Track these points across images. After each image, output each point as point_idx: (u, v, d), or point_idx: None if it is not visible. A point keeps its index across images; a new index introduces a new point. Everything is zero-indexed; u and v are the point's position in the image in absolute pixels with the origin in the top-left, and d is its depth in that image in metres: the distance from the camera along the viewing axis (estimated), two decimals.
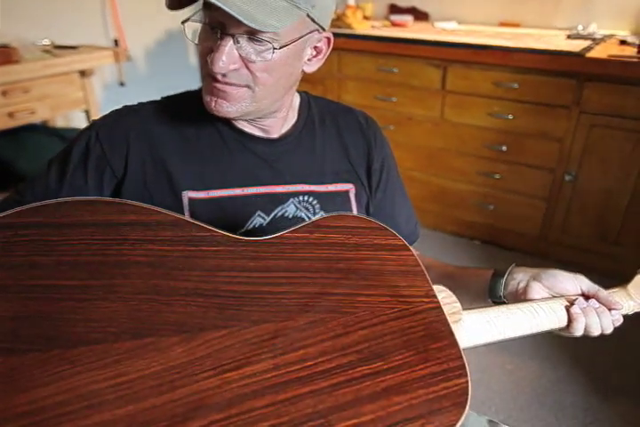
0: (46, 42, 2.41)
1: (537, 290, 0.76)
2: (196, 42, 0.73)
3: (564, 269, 0.78)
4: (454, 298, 0.68)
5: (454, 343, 0.59)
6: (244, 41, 0.70)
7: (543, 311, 0.72)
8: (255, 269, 0.62)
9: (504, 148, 2.29)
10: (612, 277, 2.17)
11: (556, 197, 2.27)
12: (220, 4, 0.64)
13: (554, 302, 0.73)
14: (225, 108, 0.76)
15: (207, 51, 0.72)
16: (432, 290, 0.64)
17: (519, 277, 0.79)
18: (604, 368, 1.74)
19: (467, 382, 0.55)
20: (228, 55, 0.70)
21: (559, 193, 2.25)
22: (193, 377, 0.51)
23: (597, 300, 0.74)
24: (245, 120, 0.84)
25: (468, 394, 0.54)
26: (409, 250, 0.67)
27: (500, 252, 2.47)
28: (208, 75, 0.74)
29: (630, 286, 0.78)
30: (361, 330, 0.58)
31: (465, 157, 2.44)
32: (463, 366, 0.56)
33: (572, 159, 2.17)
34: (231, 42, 0.69)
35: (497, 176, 2.37)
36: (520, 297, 0.77)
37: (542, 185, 2.29)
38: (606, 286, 0.78)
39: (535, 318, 0.71)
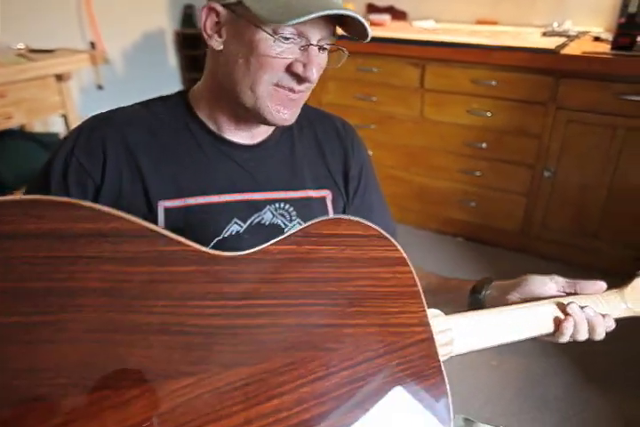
0: (21, 46, 2.38)
1: (514, 300, 0.77)
2: (274, 55, 0.72)
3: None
4: (447, 324, 0.65)
5: (442, 381, 0.57)
6: (321, 49, 0.75)
7: (534, 317, 0.71)
8: (230, 297, 0.54)
9: (484, 145, 2.31)
10: (592, 270, 2.21)
11: (535, 193, 2.30)
12: (358, 17, 0.69)
13: (544, 306, 0.73)
14: (295, 116, 0.80)
15: (282, 63, 0.73)
16: (426, 316, 0.61)
17: (494, 292, 0.81)
18: (587, 362, 1.76)
19: None
20: (318, 65, 0.74)
21: (539, 189, 2.28)
22: None
23: (581, 291, 0.76)
24: (237, 126, 0.83)
25: None
26: (407, 265, 0.63)
27: (482, 248, 2.49)
28: (278, 86, 0.75)
29: (627, 290, 0.78)
30: (343, 371, 0.54)
31: (446, 154, 2.45)
32: (448, 419, 0.55)
33: (550, 155, 2.19)
34: (317, 52, 0.73)
35: (478, 173, 2.39)
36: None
37: (522, 181, 2.31)
38: (585, 279, 0.78)
39: (525, 325, 0.71)
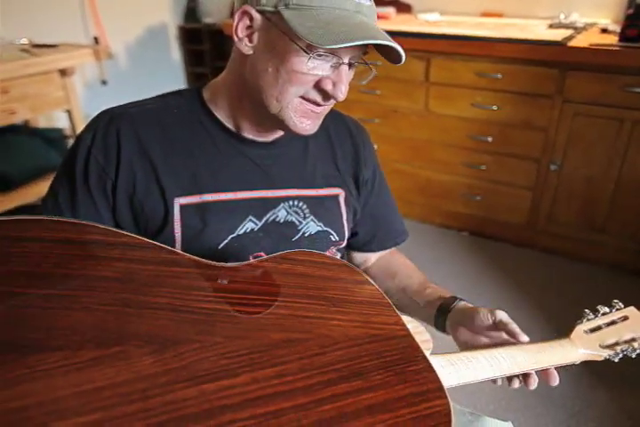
0: (24, 41, 2.38)
1: (461, 331, 0.81)
2: (305, 71, 0.72)
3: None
4: (422, 328, 0.69)
5: (430, 368, 0.59)
6: (351, 67, 0.75)
7: (505, 361, 0.72)
8: (228, 291, 0.62)
9: (489, 138, 2.30)
10: (599, 264, 2.18)
11: (541, 187, 2.28)
12: (393, 45, 0.69)
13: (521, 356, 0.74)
14: (317, 127, 0.80)
15: (312, 79, 0.73)
16: (401, 319, 0.66)
17: (455, 316, 0.83)
18: None
19: (448, 403, 0.55)
20: (347, 83, 0.75)
21: (545, 182, 2.26)
22: (168, 387, 0.48)
23: (506, 332, 0.76)
24: (258, 126, 0.83)
25: (451, 415, 0.53)
26: (373, 285, 0.70)
27: (487, 243, 2.47)
28: (303, 98, 0.75)
29: (573, 337, 0.80)
30: (338, 351, 0.58)
31: (450, 148, 2.44)
32: (442, 389, 0.57)
33: (556, 148, 2.17)
34: (347, 70, 0.74)
35: (483, 167, 2.38)
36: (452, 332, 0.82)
37: (528, 175, 2.29)
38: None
39: (497, 367, 0.71)
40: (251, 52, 0.74)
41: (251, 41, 0.74)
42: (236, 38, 0.74)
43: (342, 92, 0.74)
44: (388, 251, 1.06)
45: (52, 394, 0.45)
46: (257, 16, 0.71)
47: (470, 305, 0.84)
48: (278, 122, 0.78)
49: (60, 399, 0.45)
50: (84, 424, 0.44)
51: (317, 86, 0.74)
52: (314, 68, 0.71)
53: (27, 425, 0.43)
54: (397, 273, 0.99)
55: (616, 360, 0.79)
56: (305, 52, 0.69)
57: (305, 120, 0.77)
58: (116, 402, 0.46)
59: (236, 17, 0.72)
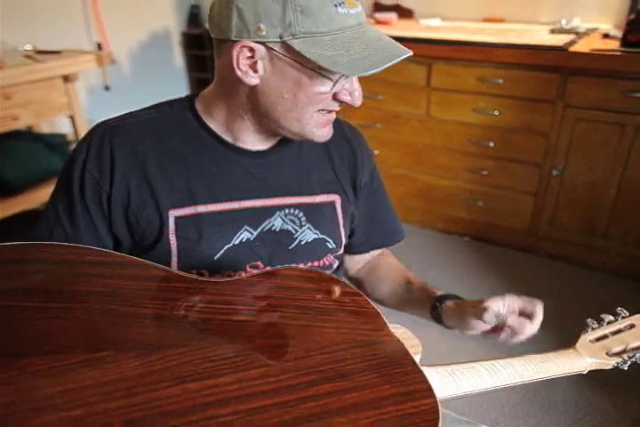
0: (28, 47, 2.39)
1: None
2: (330, 90, 0.74)
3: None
4: (411, 334, 0.70)
5: (418, 369, 0.59)
6: None
7: (505, 370, 0.72)
8: (215, 302, 0.65)
9: (491, 144, 2.30)
10: (601, 270, 2.17)
11: (543, 192, 2.27)
12: (410, 54, 0.71)
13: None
14: (332, 131, 0.82)
15: (331, 95, 0.75)
16: (388, 326, 0.67)
17: (452, 319, 0.85)
18: None
19: (436, 402, 0.55)
20: (359, 87, 0.76)
21: (547, 188, 2.26)
22: (151, 386, 0.50)
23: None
24: (259, 137, 0.83)
25: (438, 413, 0.53)
26: (361, 296, 0.71)
27: (489, 248, 2.47)
28: (321, 111, 0.77)
29: (578, 347, 0.80)
30: (323, 354, 0.59)
31: (452, 153, 2.44)
32: (430, 389, 0.56)
33: (558, 154, 2.17)
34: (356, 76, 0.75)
35: (484, 172, 2.37)
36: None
37: (530, 180, 2.29)
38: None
39: (497, 377, 0.71)
40: (257, 81, 0.73)
41: (255, 71, 0.72)
42: (239, 72, 0.72)
43: (359, 99, 0.76)
44: (379, 251, 1.05)
45: (38, 392, 0.48)
46: (257, 46, 0.70)
47: (453, 306, 0.85)
48: (299, 137, 0.80)
49: (46, 397, 0.48)
50: (65, 419, 0.46)
51: (335, 98, 0.75)
52: (332, 85, 0.73)
53: (12, 420, 0.45)
54: (385, 278, 1.01)
55: (625, 368, 0.79)
56: (329, 79, 0.71)
57: (324, 128, 0.79)
58: (99, 399, 0.48)
59: (235, 52, 0.71)
